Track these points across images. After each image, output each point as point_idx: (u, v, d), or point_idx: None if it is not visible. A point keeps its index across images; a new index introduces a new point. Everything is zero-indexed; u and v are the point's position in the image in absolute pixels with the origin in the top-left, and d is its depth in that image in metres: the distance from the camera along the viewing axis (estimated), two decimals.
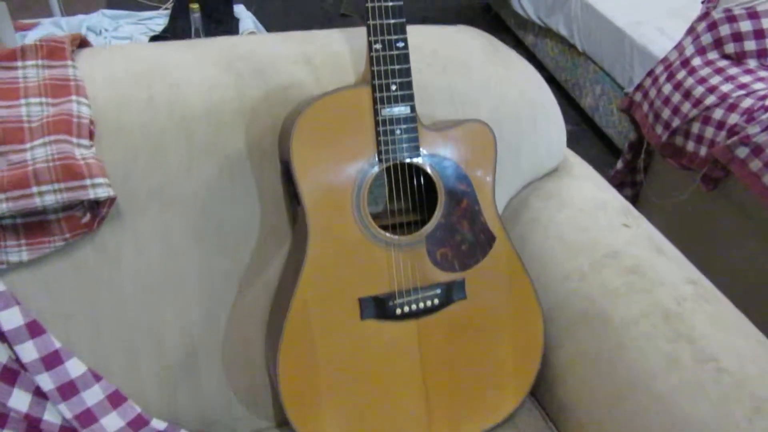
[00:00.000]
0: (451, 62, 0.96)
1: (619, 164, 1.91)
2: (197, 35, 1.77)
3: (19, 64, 0.79)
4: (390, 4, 0.78)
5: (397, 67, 0.79)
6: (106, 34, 2.13)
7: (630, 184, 1.93)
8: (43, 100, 0.77)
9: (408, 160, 0.81)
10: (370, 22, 0.78)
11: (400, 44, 0.79)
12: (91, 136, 0.79)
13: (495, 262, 0.87)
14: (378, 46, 0.78)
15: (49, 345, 0.80)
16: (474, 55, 0.99)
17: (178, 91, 0.83)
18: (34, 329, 0.79)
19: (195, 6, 1.75)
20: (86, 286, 0.82)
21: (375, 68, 0.78)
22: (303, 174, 0.78)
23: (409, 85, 0.80)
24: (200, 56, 0.88)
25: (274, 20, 3.24)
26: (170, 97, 0.83)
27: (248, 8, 3.31)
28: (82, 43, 0.90)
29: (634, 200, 1.97)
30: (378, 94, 0.79)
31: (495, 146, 0.86)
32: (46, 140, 0.75)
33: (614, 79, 2.27)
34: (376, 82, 0.78)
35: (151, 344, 0.86)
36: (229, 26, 2.23)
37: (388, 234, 0.82)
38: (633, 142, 1.84)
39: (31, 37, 1.93)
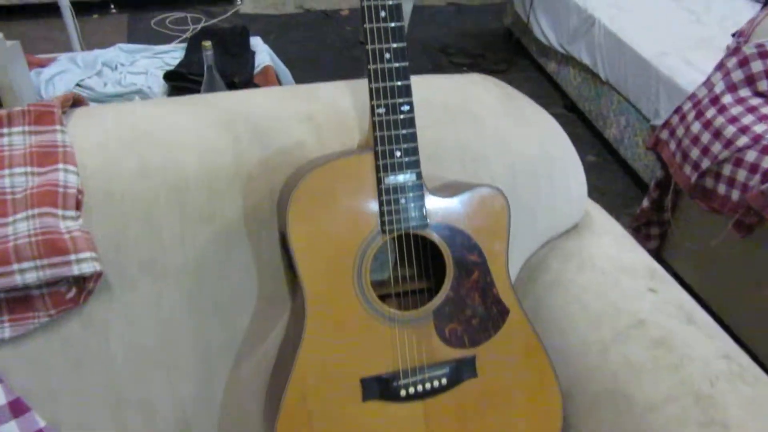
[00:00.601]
0: (463, 117, 0.91)
1: (645, 202, 1.83)
2: (210, 72, 1.74)
3: (5, 131, 0.75)
4: (396, 65, 0.73)
5: (402, 132, 0.74)
6: (122, 69, 2.12)
7: (657, 223, 1.85)
8: (29, 169, 0.73)
9: (414, 231, 0.75)
10: (373, 85, 0.73)
11: (406, 108, 0.74)
12: (78, 206, 0.75)
13: (508, 338, 0.81)
14: (381, 110, 0.73)
15: (33, 424, 0.76)
16: (487, 108, 0.93)
17: (171, 157, 0.79)
18: (17, 408, 0.75)
19: (207, 44, 1.72)
20: (73, 361, 0.78)
21: (378, 134, 0.73)
22: (300, 248, 0.72)
23: (414, 151, 0.74)
24: (196, 117, 0.84)
25: (293, 50, 3.23)
26: (163, 163, 0.79)
27: (267, 38, 3.31)
28: (77, 102, 0.86)
29: (662, 239, 1.89)
30: (381, 162, 0.73)
31: (508, 213, 0.80)
32: (29, 213, 0.71)
33: (639, 110, 2.19)
34: (379, 148, 0.73)
35: (142, 420, 0.82)
36: (245, 59, 2.20)
37: (392, 309, 0.76)
38: (660, 181, 1.77)
39: (47, 74, 1.92)
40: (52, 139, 0.76)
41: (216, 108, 0.86)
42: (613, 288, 0.91)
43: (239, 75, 2.06)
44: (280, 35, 3.40)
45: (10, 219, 0.71)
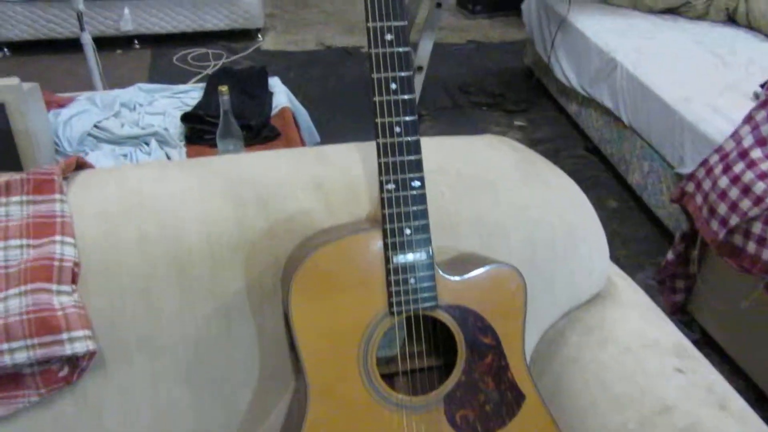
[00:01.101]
0: (479, 185, 0.87)
1: (670, 255, 1.77)
2: (226, 117, 1.73)
3: (3, 200, 0.73)
4: (407, 139, 0.70)
5: (412, 209, 0.70)
6: (140, 109, 2.13)
7: (683, 276, 1.78)
8: (24, 242, 0.71)
9: (423, 312, 0.71)
10: (382, 159, 0.69)
11: (417, 183, 0.70)
12: (74, 279, 0.72)
13: (524, 425, 0.76)
14: (391, 186, 0.69)
15: None
16: (504, 175, 0.89)
17: (172, 226, 0.76)
18: None
19: (224, 89, 1.71)
20: None
21: (387, 211, 0.69)
22: (303, 330, 0.69)
23: (425, 229, 0.71)
24: (201, 183, 0.81)
25: (312, 87, 3.23)
26: (164, 233, 0.76)
27: (286, 74, 3.32)
28: (81, 165, 0.84)
29: (687, 292, 1.82)
30: (390, 240, 0.69)
31: (525, 293, 0.75)
32: (22, 290, 0.68)
33: (663, 157, 2.13)
34: (388, 226, 0.69)
35: None
36: (263, 101, 2.20)
37: (400, 395, 0.72)
38: (686, 233, 1.70)
39: (65, 115, 1.93)
40: (51, 209, 0.73)
41: (221, 173, 0.83)
42: (638, 367, 0.86)
43: (256, 117, 2.06)
44: (300, 72, 3.41)
45: (2, 295, 0.68)
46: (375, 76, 0.68)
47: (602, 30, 2.65)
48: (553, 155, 2.71)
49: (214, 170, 0.83)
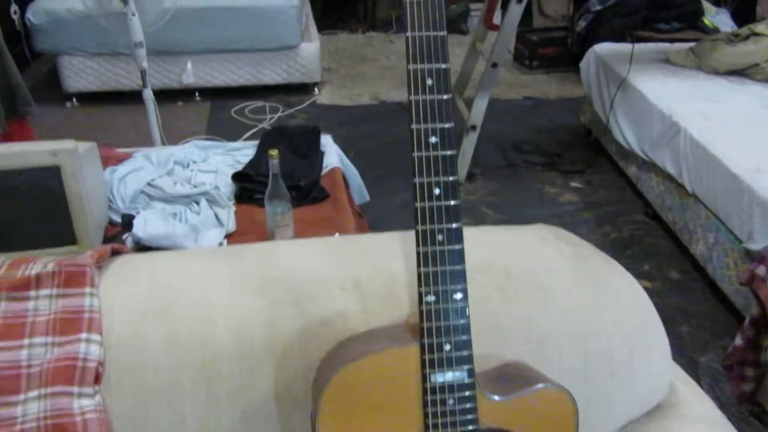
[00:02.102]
0: (527, 285, 0.81)
1: (739, 340, 1.64)
2: (275, 180, 1.73)
3: (32, 294, 0.71)
4: (449, 248, 0.65)
5: (452, 323, 0.65)
6: (194, 167, 2.16)
7: (753, 364, 1.65)
8: (49, 339, 0.68)
9: None
10: (422, 269, 0.64)
11: (459, 296, 0.65)
12: (97, 379, 0.69)
13: None
14: (430, 298, 0.64)
15: None
16: (556, 275, 0.83)
17: (201, 327, 0.73)
18: None
19: (274, 153, 1.71)
20: None
21: (425, 324, 0.64)
22: None
23: (467, 345, 0.65)
24: (233, 277, 0.77)
25: (365, 142, 3.23)
26: (191, 332, 0.72)
27: (340, 129, 3.34)
28: (116, 252, 0.83)
29: (758, 381, 1.68)
30: (428, 356, 0.64)
31: (576, 418, 0.68)
32: (42, 393, 0.65)
33: (730, 229, 2.01)
34: (426, 341, 0.64)
35: None
36: (313, 161, 2.20)
37: None
38: (756, 318, 1.58)
39: (121, 172, 1.97)
40: (80, 304, 0.71)
41: (256, 267, 0.79)
42: None
43: (306, 178, 2.05)
44: (354, 127, 3.43)
45: (22, 397, 0.66)
46: (417, 181, 0.64)
47: (665, 92, 2.56)
48: (612, 220, 2.60)
49: (248, 263, 0.80)
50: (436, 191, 0.64)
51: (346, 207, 2.02)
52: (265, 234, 1.82)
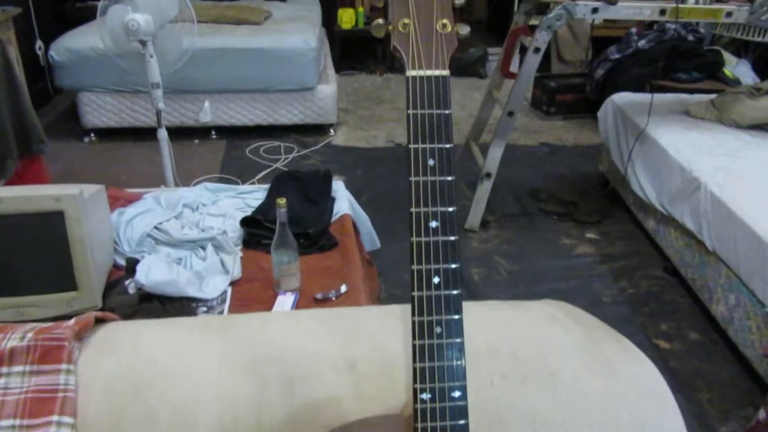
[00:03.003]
0: (536, 372, 0.75)
1: (762, 414, 1.55)
2: (282, 228, 1.70)
3: (4, 370, 0.67)
4: (448, 341, 0.60)
5: (450, 424, 0.59)
6: (203, 210, 2.14)
7: None
8: (17, 423, 0.64)
9: None
10: (417, 364, 0.59)
11: (457, 394, 0.60)
12: None
13: None
14: (425, 396, 0.59)
15: None
16: (566, 359, 0.78)
17: (184, 409, 0.68)
18: None
19: (282, 201, 1.68)
20: None
21: (420, 425, 0.59)
22: None
23: None
24: (221, 354, 0.73)
25: (379, 185, 3.21)
26: (174, 417, 0.68)
27: (354, 171, 3.32)
28: (101, 319, 0.79)
29: None
30: None
31: None
32: None
33: (753, 292, 1.93)
34: None
35: None
36: (324, 207, 2.17)
37: None
38: None
39: (128, 215, 1.95)
40: (54, 382, 0.67)
41: (246, 343, 0.75)
42: None
43: (315, 225, 2.02)
44: (369, 169, 3.41)
45: None
46: (415, 295, 0.59)
47: (684, 145, 2.51)
48: (629, 274, 2.53)
49: (239, 337, 0.76)
50: (436, 280, 0.59)
51: (355, 257, 1.97)
52: (270, 282, 1.78)
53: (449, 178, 0.59)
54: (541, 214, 2.99)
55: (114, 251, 1.86)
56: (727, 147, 2.50)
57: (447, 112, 0.59)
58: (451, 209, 0.60)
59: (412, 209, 0.59)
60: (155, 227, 1.95)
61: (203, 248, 1.91)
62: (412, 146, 0.59)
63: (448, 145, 0.59)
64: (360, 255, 2.10)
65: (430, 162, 0.59)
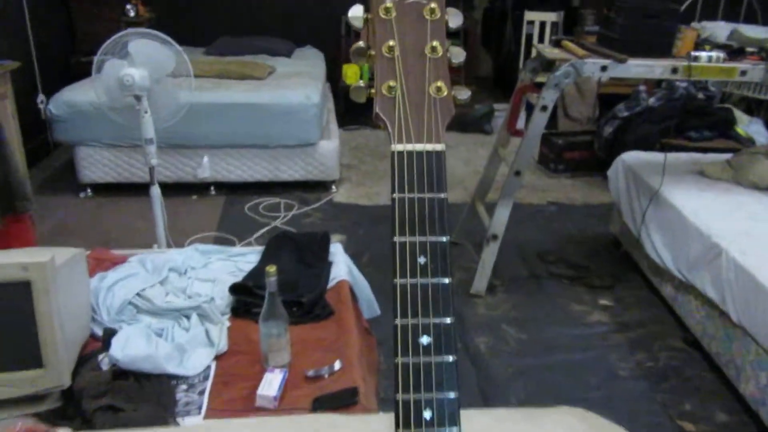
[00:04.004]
0: None
1: None
2: (271, 299, 1.56)
3: None
4: None
5: None
6: (191, 274, 2.01)
7: None
8: None
9: None
10: None
11: None
12: None
13: None
14: None
15: None
16: None
17: None
18: None
19: (272, 270, 1.55)
20: None
21: None
22: None
23: None
24: None
25: (381, 245, 3.08)
26: None
27: (356, 230, 3.20)
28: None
29: None
30: None
31: None
32: None
33: None
34: None
35: None
36: (320, 271, 2.04)
37: None
38: None
39: (110, 279, 1.82)
40: None
41: None
42: None
43: (310, 292, 1.88)
44: (371, 228, 3.29)
45: None
46: (400, 399, 0.46)
47: (701, 208, 2.38)
48: (646, 345, 2.36)
49: None
50: (427, 414, 0.46)
51: (352, 328, 1.83)
52: (257, 356, 1.64)
53: (445, 281, 0.47)
54: (550, 278, 2.84)
55: (92, 320, 1.72)
56: (748, 210, 2.37)
57: (442, 196, 0.47)
58: (448, 320, 0.47)
59: (398, 321, 0.46)
60: (138, 294, 1.81)
61: (187, 318, 1.77)
62: (398, 239, 0.46)
63: (443, 239, 0.47)
64: (358, 324, 1.96)
65: (421, 260, 0.46)
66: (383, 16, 0.50)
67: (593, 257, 3.03)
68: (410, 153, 0.47)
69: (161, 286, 1.90)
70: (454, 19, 0.52)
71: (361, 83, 0.49)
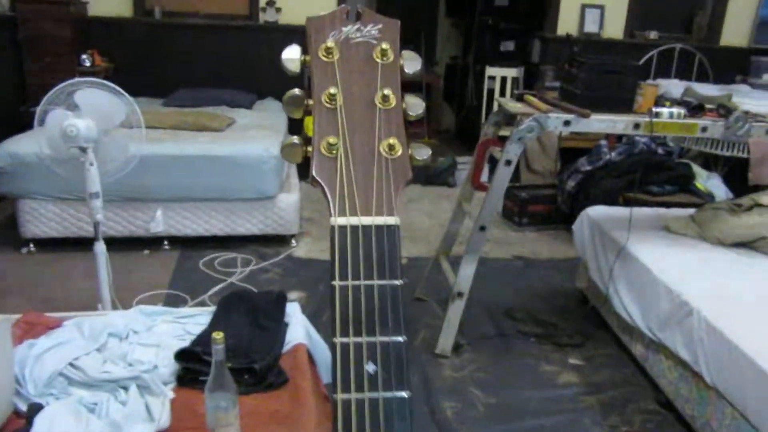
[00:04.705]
0: None
1: None
2: (218, 368, 1.42)
3: None
4: None
5: None
6: (133, 339, 1.84)
7: None
8: None
9: None
10: None
11: None
12: None
13: None
14: None
15: None
16: None
17: None
18: None
19: (218, 336, 1.41)
20: None
21: None
22: None
23: None
24: None
25: None
26: None
27: (316, 287, 3.06)
28: None
29: None
30: None
31: None
32: None
33: None
34: None
35: None
36: (275, 335, 1.90)
37: None
38: None
39: (40, 348, 1.65)
40: None
41: None
42: None
43: (262, 359, 1.74)
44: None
45: None
46: None
47: (669, 265, 2.33)
48: (619, 408, 2.26)
49: None
50: None
51: (308, 398, 1.68)
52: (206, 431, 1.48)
53: (403, 394, 0.36)
54: (518, 336, 2.74)
55: (16, 393, 1.55)
56: (715, 267, 2.33)
57: (396, 283, 0.36)
58: None
59: None
60: (70, 363, 1.64)
61: (125, 389, 1.61)
62: (339, 340, 0.35)
63: (399, 338, 0.36)
64: (315, 391, 1.81)
65: (370, 368, 0.35)
66: (323, 59, 0.41)
67: (561, 314, 2.95)
68: (355, 228, 0.36)
69: (98, 353, 1.73)
70: (411, 63, 0.44)
71: (295, 140, 0.39)
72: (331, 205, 0.37)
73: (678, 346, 2.10)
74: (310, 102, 0.42)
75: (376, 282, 0.37)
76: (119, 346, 1.80)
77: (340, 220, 0.37)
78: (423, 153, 0.41)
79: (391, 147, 0.39)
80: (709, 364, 1.94)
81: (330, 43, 0.41)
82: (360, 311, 0.36)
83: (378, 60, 0.42)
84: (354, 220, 0.36)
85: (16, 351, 1.65)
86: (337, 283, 0.36)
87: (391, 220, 0.37)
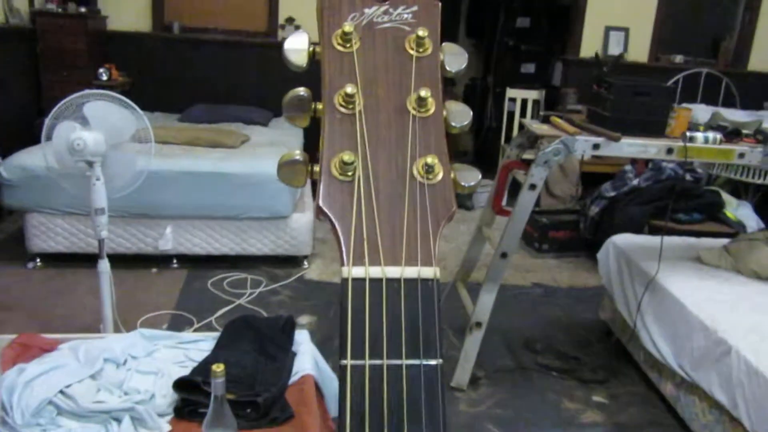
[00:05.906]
0: None
1: None
2: (217, 404, 1.30)
3: None
4: None
5: None
6: (131, 365, 1.73)
7: None
8: None
9: None
10: None
11: None
12: None
13: None
14: None
15: None
16: None
17: None
18: None
19: (219, 369, 1.30)
20: None
21: None
22: None
23: None
24: None
25: None
26: None
27: (327, 310, 2.94)
28: None
29: None
30: None
31: None
32: None
33: None
34: None
35: None
36: (282, 365, 1.78)
37: None
38: None
39: (30, 373, 1.54)
40: None
41: None
42: None
43: (267, 390, 1.62)
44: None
45: None
46: None
47: (703, 299, 2.19)
48: None
49: None
50: None
51: None
52: None
53: None
54: (538, 369, 2.60)
55: (1, 422, 1.44)
56: (754, 302, 2.18)
57: (433, 363, 0.25)
58: None
59: None
60: (61, 391, 1.54)
61: (118, 421, 1.49)
62: None
63: None
64: (323, 427, 1.69)
65: None
66: (339, 48, 0.30)
67: (584, 347, 2.80)
68: (377, 283, 0.25)
69: (92, 380, 1.62)
70: (454, 59, 0.33)
71: (297, 156, 0.28)
72: (344, 248, 0.26)
73: (714, 387, 1.95)
74: (319, 106, 0.31)
75: (405, 361, 0.25)
76: (115, 373, 1.69)
77: (356, 272, 0.26)
78: (470, 177, 0.30)
79: (428, 168, 0.28)
80: (749, 409, 1.79)
81: (348, 27, 0.31)
82: (381, 404, 0.25)
83: (411, 51, 0.31)
84: (376, 272, 0.25)
85: (5, 376, 1.55)
86: (348, 362, 0.25)
87: (428, 272, 0.26)
